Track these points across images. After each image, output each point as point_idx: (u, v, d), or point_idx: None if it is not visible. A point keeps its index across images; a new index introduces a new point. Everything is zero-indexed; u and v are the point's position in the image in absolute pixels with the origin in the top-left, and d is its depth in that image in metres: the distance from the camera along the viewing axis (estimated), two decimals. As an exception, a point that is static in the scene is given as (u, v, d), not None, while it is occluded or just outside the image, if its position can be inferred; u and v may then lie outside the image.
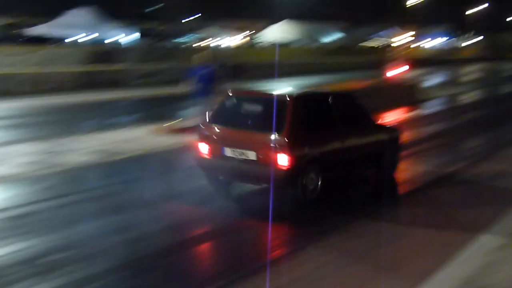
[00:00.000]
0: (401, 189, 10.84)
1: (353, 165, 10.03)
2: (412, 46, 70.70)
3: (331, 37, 62.53)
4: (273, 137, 8.37)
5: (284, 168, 8.31)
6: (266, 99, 8.86)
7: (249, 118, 8.92)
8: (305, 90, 11.39)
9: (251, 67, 35.96)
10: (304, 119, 8.76)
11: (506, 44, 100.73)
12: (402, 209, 9.57)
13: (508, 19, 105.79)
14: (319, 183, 8.94)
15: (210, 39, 52.21)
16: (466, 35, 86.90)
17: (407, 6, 78.49)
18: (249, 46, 49.13)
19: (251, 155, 8.59)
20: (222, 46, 50.90)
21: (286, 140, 8.34)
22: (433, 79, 39.69)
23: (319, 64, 42.99)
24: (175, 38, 46.58)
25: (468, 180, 11.33)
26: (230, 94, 9.47)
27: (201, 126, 9.54)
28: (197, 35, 50.33)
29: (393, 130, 11.26)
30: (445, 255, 7.00)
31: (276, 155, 8.32)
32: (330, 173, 9.21)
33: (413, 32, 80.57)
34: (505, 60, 76.65)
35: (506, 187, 10.83)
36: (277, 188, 8.40)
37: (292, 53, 46.80)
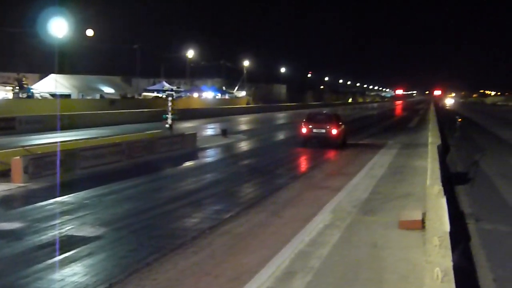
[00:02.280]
0: (349, 144, 29.83)
1: (344, 136, 29.44)
2: (188, 96, 73.07)
3: (110, 88, 61.79)
4: (330, 125, 28.22)
5: (335, 135, 27.91)
6: (325, 113, 32.10)
7: (320, 119, 29.14)
8: (333, 111, 43.79)
9: (26, 120, 33.90)
10: (337, 119, 29.19)
11: (275, 93, 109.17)
12: (349, 150, 28.68)
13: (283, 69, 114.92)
14: (341, 141, 28.66)
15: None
16: (238, 87, 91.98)
17: (189, 61, 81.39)
18: (24, 99, 46.24)
19: (323, 131, 28.02)
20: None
21: (335, 125, 28.23)
22: (211, 129, 41.14)
23: (102, 115, 41.94)
24: None
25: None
26: (310, 112, 31.77)
27: (302, 123, 28.84)
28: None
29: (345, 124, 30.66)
30: (365, 161, 22.98)
31: (331, 130, 27.89)
32: (342, 138, 29.06)
33: (188, 84, 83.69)
34: (276, 109, 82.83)
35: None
36: (331, 142, 27.73)
37: (73, 104, 45.14)
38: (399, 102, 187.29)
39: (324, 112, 34.14)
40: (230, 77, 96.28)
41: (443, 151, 25.57)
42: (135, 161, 20.98)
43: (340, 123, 29.45)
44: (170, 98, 27.92)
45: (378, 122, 58.95)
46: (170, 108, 27.73)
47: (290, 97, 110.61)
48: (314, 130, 28.38)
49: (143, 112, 47.25)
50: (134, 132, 28.41)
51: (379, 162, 22.68)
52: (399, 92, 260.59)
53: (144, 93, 71.35)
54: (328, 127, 28.23)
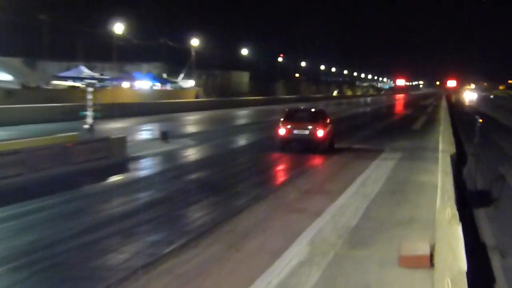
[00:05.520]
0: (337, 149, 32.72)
1: (332, 138, 32.11)
2: (116, 86, 72.51)
3: (7, 74, 61.02)
4: (315, 124, 30.29)
5: (321, 137, 30.21)
6: (309, 109, 35.19)
7: (303, 117, 31.51)
8: (319, 107, 46.27)
9: None
10: (323, 117, 31.84)
11: (235, 84, 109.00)
12: (334, 158, 30.25)
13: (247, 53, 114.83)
14: (328, 144, 31.22)
15: None
16: (183, 74, 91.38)
17: (118, 39, 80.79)
18: None
19: (306, 132, 30.25)
20: None
21: (321, 125, 30.41)
22: (147, 131, 40.91)
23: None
24: None
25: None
26: (290, 109, 33.68)
27: (280, 123, 30.63)
28: None
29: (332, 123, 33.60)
30: (354, 174, 24.32)
31: (317, 131, 30.14)
32: (330, 141, 31.78)
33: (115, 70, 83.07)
34: (235, 104, 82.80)
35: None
36: (316, 146, 30.14)
37: None
38: (400, 96, 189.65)
39: (307, 108, 36.52)
40: (173, 61, 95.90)
41: (459, 162, 25.94)
42: (42, 174, 20.74)
43: (328, 121, 31.79)
44: (90, 89, 27.77)
45: (372, 122, 59.50)
46: (90, 103, 27.56)
47: (255, 89, 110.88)
48: (295, 131, 30.43)
49: (53, 108, 46.79)
50: (40, 135, 28.08)
51: (374, 176, 22.91)
52: (401, 82, 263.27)
53: (55, 82, 70.61)
54: (312, 127, 30.25)
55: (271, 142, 33.79)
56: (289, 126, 30.37)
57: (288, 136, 30.43)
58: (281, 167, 27.02)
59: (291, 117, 31.20)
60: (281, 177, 24.62)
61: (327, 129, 30.89)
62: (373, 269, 11.40)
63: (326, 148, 30.66)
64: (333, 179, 22.87)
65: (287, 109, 33.11)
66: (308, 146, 30.18)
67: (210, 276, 11.28)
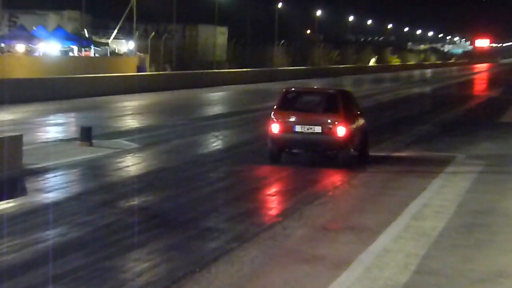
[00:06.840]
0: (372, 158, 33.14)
1: (363, 140, 31.90)
2: (4, 51, 72.69)
3: None
4: (332, 116, 29.81)
5: (343, 137, 29.35)
6: (322, 90, 38.26)
7: (311, 104, 31.28)
8: (342, 86, 75.15)
9: None
10: (346, 105, 30.65)
11: (204, 47, 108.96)
12: (369, 172, 30.31)
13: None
14: (356, 150, 31.46)
15: None
16: (117, 30, 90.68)
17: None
18: None
19: (317, 129, 29.62)
20: None
21: (342, 118, 29.58)
22: (58, 126, 41.14)
23: None
24: None
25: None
26: (290, 90, 33.23)
27: (273, 113, 30.64)
28: None
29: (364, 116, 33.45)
30: (402, 199, 24.15)
31: (336, 128, 29.41)
32: (358, 145, 31.53)
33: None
34: (204, 82, 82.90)
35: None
36: (334, 153, 30.63)
37: None
38: (482, 66, 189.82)
39: (320, 89, 38.60)
40: (100, 9, 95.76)
41: None
42: None
43: (356, 112, 31.73)
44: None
45: (433, 112, 60.19)
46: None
47: (238, 56, 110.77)
48: (298, 128, 29.76)
49: None
50: None
51: (436, 202, 23.22)
52: (483, 43, 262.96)
53: None
54: (328, 120, 29.66)
55: (261, 146, 34.22)
56: (288, 120, 29.86)
57: (286, 137, 29.89)
58: (277, 188, 27.17)
59: (292, 104, 30.78)
60: (280, 204, 24.67)
61: (355, 124, 30.34)
62: None
63: (353, 156, 30.69)
64: (367, 208, 23.15)
65: (284, 90, 32.35)
66: (320, 154, 30.76)
67: None
